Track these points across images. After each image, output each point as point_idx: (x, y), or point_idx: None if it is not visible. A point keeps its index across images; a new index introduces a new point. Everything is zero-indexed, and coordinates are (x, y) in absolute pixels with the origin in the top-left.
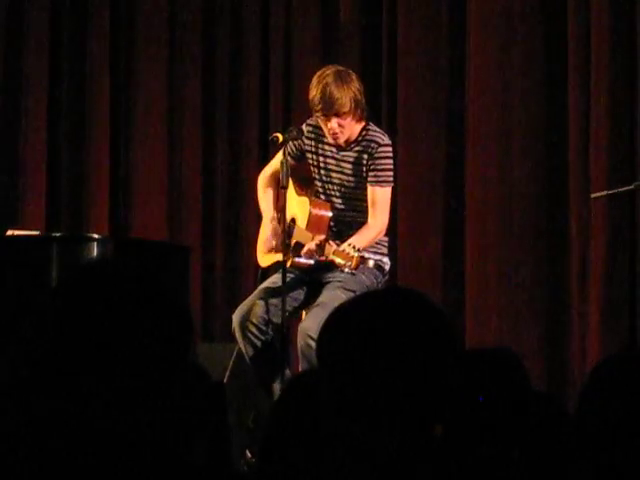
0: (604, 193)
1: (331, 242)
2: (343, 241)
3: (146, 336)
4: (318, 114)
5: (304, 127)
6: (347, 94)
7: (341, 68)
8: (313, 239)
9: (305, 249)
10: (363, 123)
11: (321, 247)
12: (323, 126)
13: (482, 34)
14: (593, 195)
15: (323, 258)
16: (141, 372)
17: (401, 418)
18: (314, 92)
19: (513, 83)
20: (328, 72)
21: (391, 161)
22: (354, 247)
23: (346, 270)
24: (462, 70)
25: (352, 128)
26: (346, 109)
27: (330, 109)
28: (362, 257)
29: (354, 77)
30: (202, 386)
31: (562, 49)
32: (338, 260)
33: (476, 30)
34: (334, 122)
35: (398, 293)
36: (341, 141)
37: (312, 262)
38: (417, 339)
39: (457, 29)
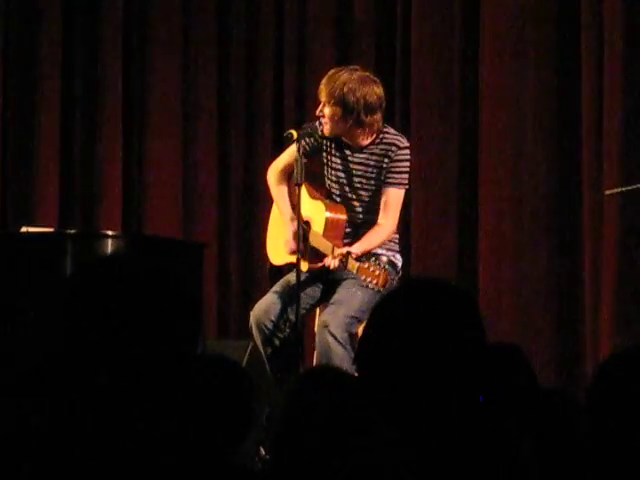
0: (618, 190)
1: (353, 254)
2: (355, 241)
3: (157, 332)
4: None
5: (319, 126)
6: (334, 88)
7: (367, 74)
8: (333, 250)
9: (325, 262)
10: (360, 129)
11: (343, 262)
12: None
13: (495, 33)
14: (607, 192)
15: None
16: (151, 366)
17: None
18: None
19: (525, 79)
20: (356, 68)
21: (408, 164)
22: (378, 263)
23: (370, 286)
24: (475, 68)
25: (336, 125)
26: (322, 98)
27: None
28: (388, 273)
29: (367, 87)
30: (228, 376)
31: (575, 44)
32: (363, 277)
33: (489, 29)
34: (321, 106)
35: (430, 284)
36: (326, 130)
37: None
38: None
39: (470, 28)
